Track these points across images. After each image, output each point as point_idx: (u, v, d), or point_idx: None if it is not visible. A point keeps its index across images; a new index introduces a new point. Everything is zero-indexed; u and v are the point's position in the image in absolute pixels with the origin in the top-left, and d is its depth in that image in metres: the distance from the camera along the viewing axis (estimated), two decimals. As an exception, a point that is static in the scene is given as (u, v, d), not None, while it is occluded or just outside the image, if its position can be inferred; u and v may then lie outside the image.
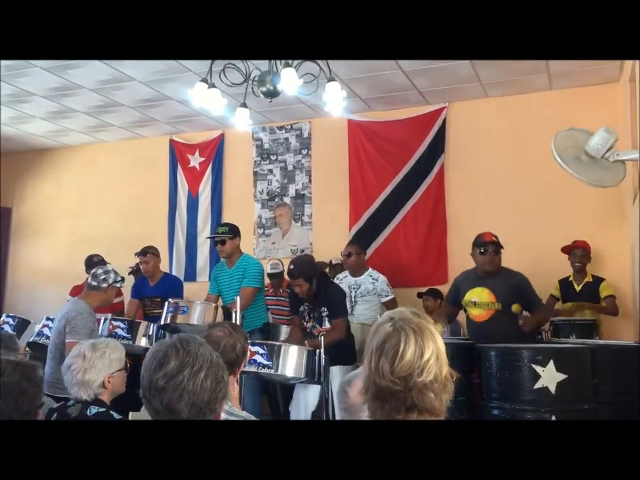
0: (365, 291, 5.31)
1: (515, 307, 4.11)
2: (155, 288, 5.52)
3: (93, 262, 6.07)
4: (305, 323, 4.47)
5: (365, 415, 2.12)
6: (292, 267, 4.36)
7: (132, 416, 2.52)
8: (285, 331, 4.99)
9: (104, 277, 4.09)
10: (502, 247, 4.20)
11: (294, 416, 4.27)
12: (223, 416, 2.05)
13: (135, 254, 5.66)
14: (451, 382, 1.47)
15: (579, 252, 5.41)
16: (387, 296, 5.30)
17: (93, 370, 2.61)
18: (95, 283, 4.06)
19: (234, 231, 4.94)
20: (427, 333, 1.47)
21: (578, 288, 5.43)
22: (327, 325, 4.30)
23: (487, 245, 4.16)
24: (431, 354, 1.44)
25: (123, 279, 4.25)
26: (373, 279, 5.33)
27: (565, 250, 5.48)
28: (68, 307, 3.99)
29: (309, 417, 4.16)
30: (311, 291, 4.33)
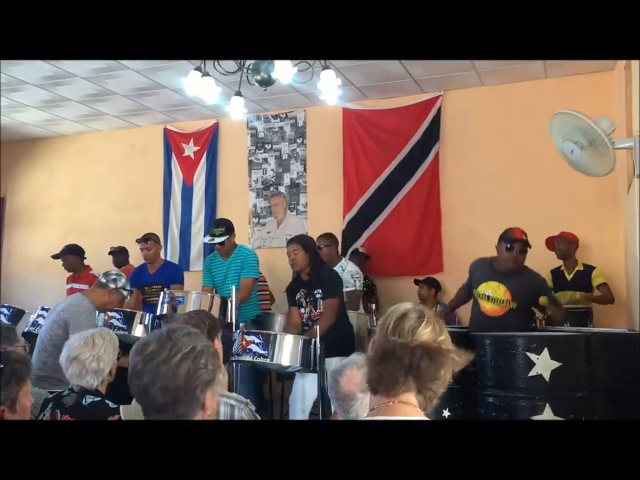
0: None
1: (542, 300, 4.02)
2: (155, 276, 5.50)
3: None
4: (302, 310, 4.45)
5: (357, 404, 2.13)
6: (292, 236, 4.36)
7: (122, 409, 2.50)
8: (279, 320, 4.99)
9: (114, 277, 4.14)
10: (529, 246, 4.03)
11: (292, 407, 4.28)
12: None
13: (136, 240, 5.66)
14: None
15: (560, 241, 5.45)
16: (346, 287, 4.90)
17: (105, 357, 2.65)
18: (103, 281, 4.11)
19: (229, 229, 4.92)
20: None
21: (569, 277, 5.44)
22: (321, 309, 4.29)
23: (515, 242, 3.99)
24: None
25: (131, 291, 4.37)
26: (342, 269, 5.12)
27: (549, 244, 5.50)
28: (69, 302, 3.97)
29: (308, 408, 4.17)
30: (306, 262, 4.32)
